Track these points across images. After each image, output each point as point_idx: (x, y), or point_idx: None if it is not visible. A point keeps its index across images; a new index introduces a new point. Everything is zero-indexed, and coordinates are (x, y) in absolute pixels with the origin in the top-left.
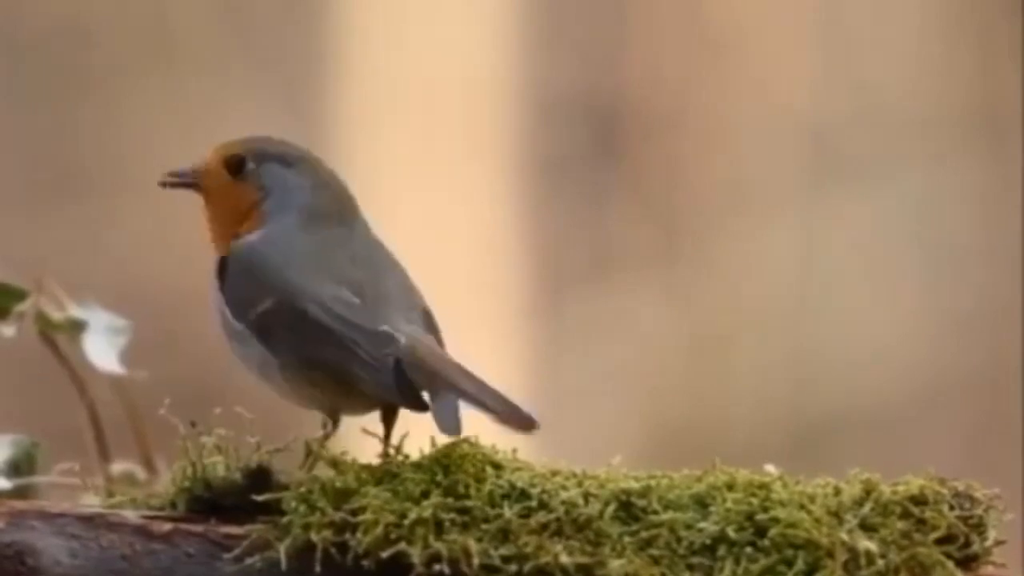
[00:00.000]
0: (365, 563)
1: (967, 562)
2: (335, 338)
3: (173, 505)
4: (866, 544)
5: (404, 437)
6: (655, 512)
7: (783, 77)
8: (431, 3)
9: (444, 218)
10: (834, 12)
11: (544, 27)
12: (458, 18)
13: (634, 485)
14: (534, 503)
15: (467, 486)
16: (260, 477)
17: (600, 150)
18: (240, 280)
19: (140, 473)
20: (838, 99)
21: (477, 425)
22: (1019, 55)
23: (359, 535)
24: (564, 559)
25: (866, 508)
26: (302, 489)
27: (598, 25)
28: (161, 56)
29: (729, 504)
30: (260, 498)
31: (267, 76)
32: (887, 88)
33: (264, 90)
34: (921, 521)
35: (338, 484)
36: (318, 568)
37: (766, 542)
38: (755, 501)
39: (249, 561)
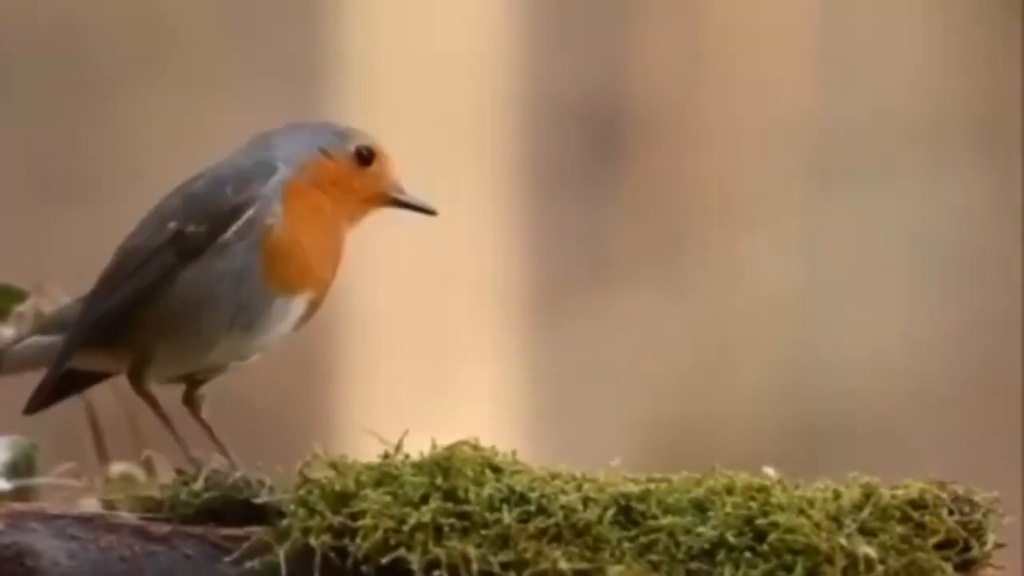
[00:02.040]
0: (364, 569)
1: (966, 566)
2: None
3: (171, 508)
4: (865, 549)
5: (404, 435)
6: (654, 517)
7: (783, 82)
8: (432, 8)
9: (445, 219)
10: (834, 18)
11: (545, 31)
12: (459, 23)
13: (633, 489)
14: (533, 508)
15: (467, 490)
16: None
17: (601, 153)
18: None
19: (139, 474)
20: (838, 104)
21: (476, 423)
22: (1019, 63)
23: (358, 540)
24: (563, 565)
25: (865, 512)
26: (301, 492)
27: (599, 28)
28: (162, 60)
29: (728, 509)
30: (259, 501)
31: (268, 81)
32: (888, 94)
33: (265, 95)
34: (920, 525)
35: (337, 487)
36: (317, 574)
37: (765, 547)
38: (754, 505)
39: (249, 564)
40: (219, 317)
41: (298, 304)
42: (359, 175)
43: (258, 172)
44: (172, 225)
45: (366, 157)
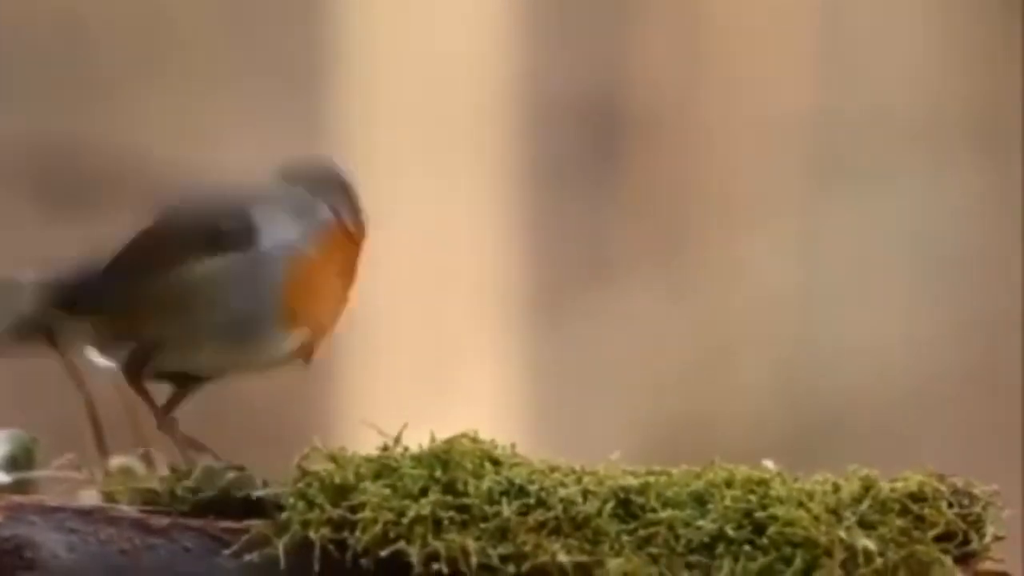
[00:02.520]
0: (363, 562)
1: (965, 559)
2: None
3: (171, 503)
4: (864, 542)
5: (403, 428)
6: (653, 510)
7: (783, 81)
8: (432, 7)
9: (444, 218)
10: (834, 15)
11: (544, 28)
12: (459, 20)
13: (632, 482)
14: (532, 500)
15: (466, 483)
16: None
17: (600, 151)
18: None
19: (139, 467)
20: (838, 102)
21: (476, 422)
22: (1019, 60)
23: (358, 533)
24: (562, 558)
25: (864, 505)
26: (300, 485)
27: (598, 26)
28: (162, 59)
29: (728, 502)
30: (258, 494)
31: (268, 80)
32: (888, 93)
33: (265, 94)
34: (920, 518)
35: (337, 479)
36: (316, 567)
37: (764, 540)
38: (754, 499)
39: (248, 557)
40: (219, 320)
41: (293, 339)
42: (355, 250)
43: (305, 208)
44: (208, 221)
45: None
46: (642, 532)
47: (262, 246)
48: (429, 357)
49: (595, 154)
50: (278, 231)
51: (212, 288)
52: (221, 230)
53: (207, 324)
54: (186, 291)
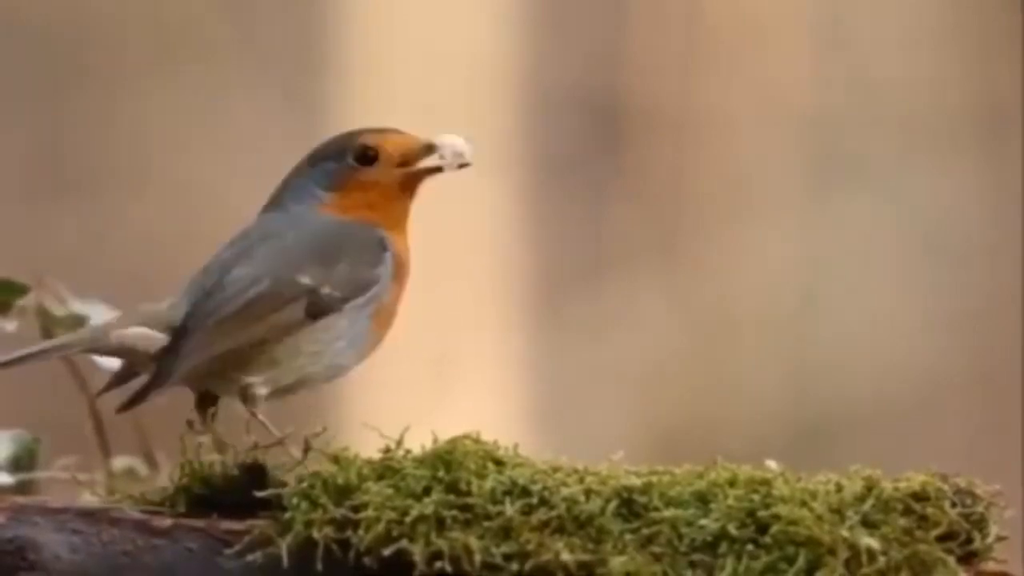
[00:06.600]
0: (367, 560)
1: (968, 559)
2: None
3: (173, 504)
4: (867, 541)
5: (405, 430)
6: (656, 509)
7: (784, 75)
8: None
9: (444, 215)
10: (835, 11)
11: (546, 23)
12: (460, 13)
13: (635, 482)
14: (535, 500)
15: (469, 483)
16: (257, 473)
17: (601, 148)
18: None
19: (141, 468)
20: (839, 98)
21: (477, 420)
22: (1019, 55)
23: (360, 532)
24: (565, 557)
25: (867, 505)
26: (303, 485)
27: (600, 22)
28: (161, 51)
29: (731, 501)
30: (261, 494)
31: (268, 70)
32: (888, 87)
33: (265, 85)
34: (923, 518)
35: (339, 480)
36: (319, 566)
37: (767, 539)
38: (756, 498)
39: (251, 557)
40: (320, 368)
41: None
42: (374, 174)
43: (381, 247)
44: (306, 281)
45: (370, 156)
46: (645, 531)
47: (361, 301)
48: (430, 352)
49: (597, 148)
50: (376, 281)
51: (313, 351)
52: (320, 294)
53: (309, 377)
54: (286, 355)
